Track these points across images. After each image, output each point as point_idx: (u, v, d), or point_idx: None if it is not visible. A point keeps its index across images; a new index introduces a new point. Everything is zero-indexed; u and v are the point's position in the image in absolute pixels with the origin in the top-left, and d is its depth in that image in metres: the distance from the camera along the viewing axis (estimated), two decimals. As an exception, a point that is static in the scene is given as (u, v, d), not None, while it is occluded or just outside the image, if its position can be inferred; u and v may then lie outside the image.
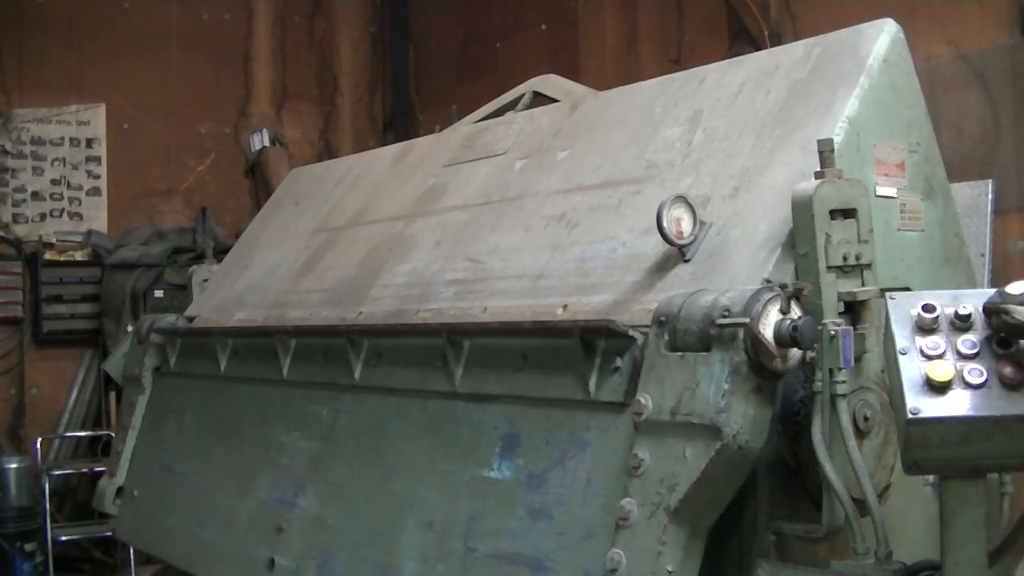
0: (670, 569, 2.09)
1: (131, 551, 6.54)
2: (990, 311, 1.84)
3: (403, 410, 2.95)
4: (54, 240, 7.70)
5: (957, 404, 1.80)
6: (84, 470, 7.10)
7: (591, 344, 2.41)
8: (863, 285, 2.31)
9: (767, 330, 2.12)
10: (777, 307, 2.15)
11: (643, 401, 2.24)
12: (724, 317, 2.14)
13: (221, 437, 3.76)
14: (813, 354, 2.18)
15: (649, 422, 2.22)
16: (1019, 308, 1.79)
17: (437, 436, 2.79)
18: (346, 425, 3.14)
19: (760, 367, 2.11)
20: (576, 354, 2.43)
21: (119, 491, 4.17)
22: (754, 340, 2.10)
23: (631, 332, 2.33)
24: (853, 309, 2.30)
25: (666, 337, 2.24)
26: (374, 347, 3.11)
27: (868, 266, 2.31)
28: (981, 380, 1.81)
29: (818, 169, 2.29)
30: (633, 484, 2.19)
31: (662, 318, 2.28)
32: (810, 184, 2.26)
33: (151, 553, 4.26)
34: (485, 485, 2.58)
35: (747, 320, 2.11)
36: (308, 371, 3.39)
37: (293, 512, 3.18)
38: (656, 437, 2.20)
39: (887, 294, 2.01)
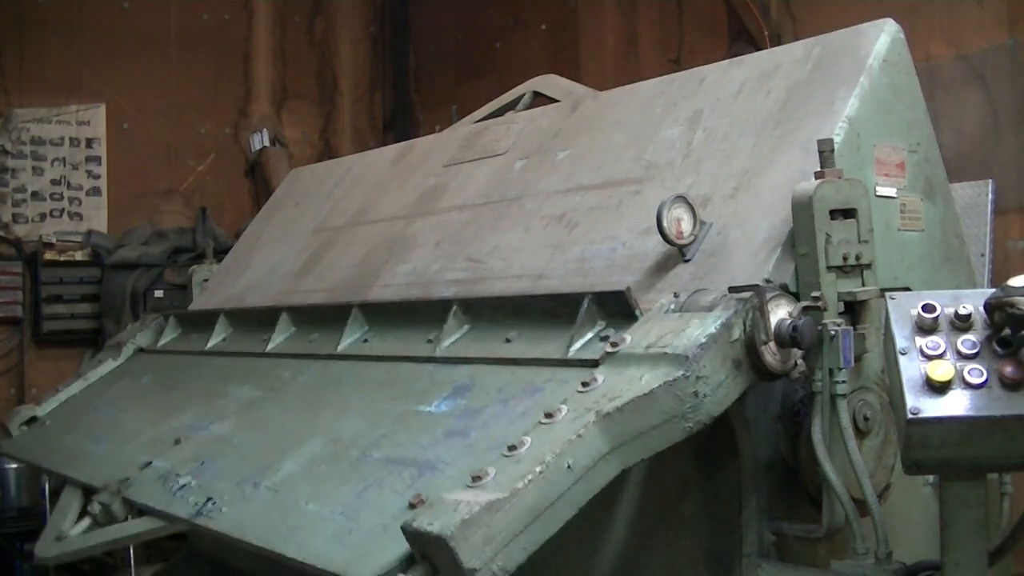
0: (570, 463, 1.91)
1: (131, 551, 6.54)
2: (992, 307, 1.84)
3: (368, 371, 2.89)
4: (54, 240, 7.69)
5: (957, 404, 1.80)
6: (84, 470, 7.10)
7: (593, 315, 2.39)
8: (863, 285, 2.31)
9: (773, 315, 2.12)
10: (789, 308, 2.16)
11: (624, 336, 2.19)
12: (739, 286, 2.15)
13: (168, 389, 3.65)
14: (801, 372, 2.18)
15: (620, 355, 2.15)
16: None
17: (390, 388, 2.72)
18: (304, 382, 3.08)
19: (752, 346, 2.10)
20: (573, 317, 2.38)
21: (32, 419, 3.95)
22: (759, 309, 2.10)
23: (637, 312, 2.31)
24: (853, 309, 2.30)
25: (672, 306, 2.25)
26: (374, 322, 3.10)
27: (868, 266, 2.32)
28: (981, 380, 1.81)
29: (818, 169, 2.29)
30: (574, 398, 2.08)
31: (676, 292, 2.29)
32: (810, 184, 2.26)
33: (28, 461, 3.98)
34: (415, 416, 2.49)
35: (760, 284, 2.12)
36: (293, 345, 3.36)
37: (200, 432, 3.05)
38: (620, 366, 2.13)
39: (887, 294, 2.01)
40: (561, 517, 1.89)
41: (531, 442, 1.95)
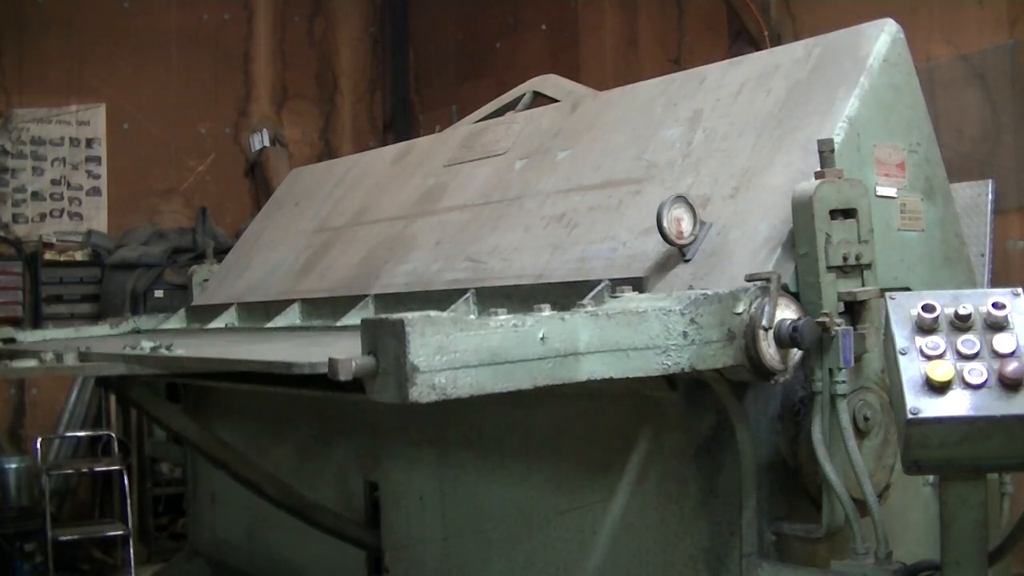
0: (544, 335, 1.88)
1: (131, 551, 6.54)
2: None
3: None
4: (54, 240, 7.69)
5: (957, 404, 1.80)
6: (84, 470, 7.10)
7: (603, 301, 2.40)
8: (863, 285, 2.31)
9: (779, 312, 2.13)
10: (793, 312, 2.17)
11: (625, 289, 2.23)
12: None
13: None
14: (786, 380, 2.19)
15: (622, 299, 2.18)
16: None
17: None
18: (291, 337, 3.14)
19: (752, 327, 2.11)
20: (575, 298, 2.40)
21: (11, 340, 3.95)
22: (771, 294, 2.11)
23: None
24: (853, 309, 2.30)
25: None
26: (382, 311, 3.12)
27: (868, 266, 2.32)
28: (981, 380, 1.81)
29: (818, 169, 2.29)
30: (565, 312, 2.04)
31: (691, 286, 2.30)
32: (810, 184, 2.26)
33: None
34: None
35: (777, 273, 2.15)
36: (291, 322, 3.45)
37: (178, 340, 3.07)
38: (620, 303, 2.16)
39: (887, 294, 2.01)
40: (515, 379, 1.86)
41: (511, 314, 1.93)
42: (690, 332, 2.03)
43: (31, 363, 2.76)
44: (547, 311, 1.98)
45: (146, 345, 2.62)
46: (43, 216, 7.78)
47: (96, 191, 7.96)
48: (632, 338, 1.99)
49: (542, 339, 1.88)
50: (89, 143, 7.95)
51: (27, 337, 4.03)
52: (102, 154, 7.98)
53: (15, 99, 7.73)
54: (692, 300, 2.05)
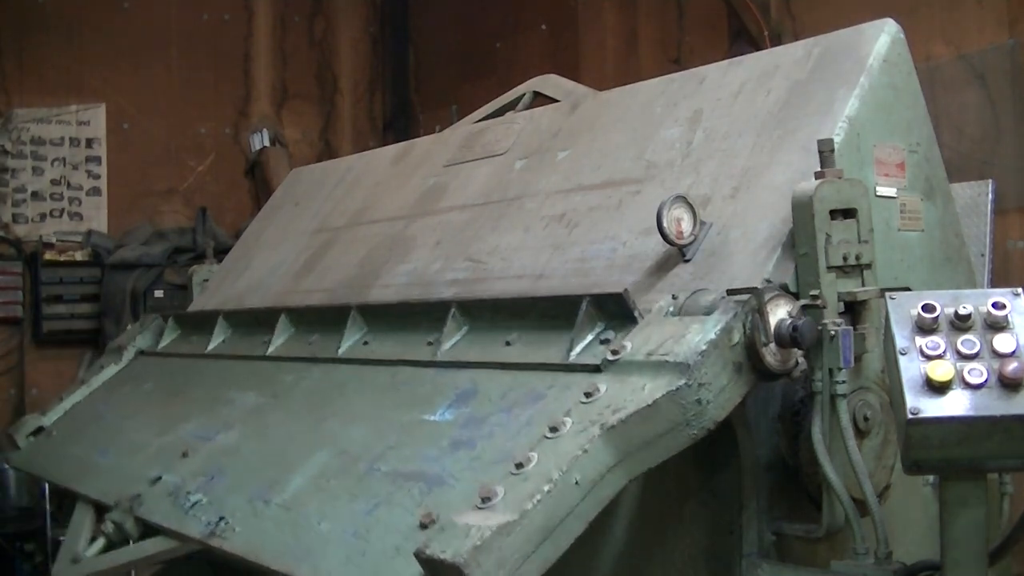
0: (578, 479, 1.90)
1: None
2: None
3: (370, 376, 2.89)
4: (54, 240, 7.68)
5: (957, 404, 1.80)
6: (84, 470, 7.10)
7: (592, 317, 2.39)
8: (863, 285, 2.31)
9: (773, 315, 2.12)
10: (788, 308, 2.16)
11: (624, 343, 2.19)
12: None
13: (171, 395, 3.63)
14: (802, 371, 2.18)
15: (620, 363, 2.15)
16: None
17: (393, 394, 2.72)
18: (307, 387, 3.08)
19: (752, 348, 2.10)
20: (572, 318, 2.37)
21: (39, 429, 3.92)
22: (758, 311, 2.09)
23: (636, 314, 2.29)
24: (853, 309, 2.30)
25: (671, 308, 2.25)
26: (373, 324, 3.10)
27: (868, 266, 2.32)
28: (981, 380, 1.81)
29: (818, 169, 2.29)
30: (578, 409, 2.07)
31: (674, 294, 2.28)
32: (810, 184, 2.26)
33: (39, 476, 3.95)
34: (420, 426, 2.49)
35: (758, 287, 2.12)
36: (293, 348, 3.36)
37: (207, 444, 3.04)
38: (621, 375, 2.13)
39: (887, 294, 2.01)
40: (572, 533, 1.90)
41: (537, 458, 1.95)
42: (703, 396, 2.02)
43: (97, 546, 3.07)
44: (566, 428, 1.99)
45: (203, 521, 2.65)
46: (43, 216, 7.77)
47: (96, 191, 7.95)
48: (653, 429, 2.00)
49: (576, 484, 1.90)
50: (89, 143, 7.95)
51: (51, 418, 3.97)
52: (102, 154, 7.98)
53: (15, 99, 7.72)
54: (693, 365, 2.01)
